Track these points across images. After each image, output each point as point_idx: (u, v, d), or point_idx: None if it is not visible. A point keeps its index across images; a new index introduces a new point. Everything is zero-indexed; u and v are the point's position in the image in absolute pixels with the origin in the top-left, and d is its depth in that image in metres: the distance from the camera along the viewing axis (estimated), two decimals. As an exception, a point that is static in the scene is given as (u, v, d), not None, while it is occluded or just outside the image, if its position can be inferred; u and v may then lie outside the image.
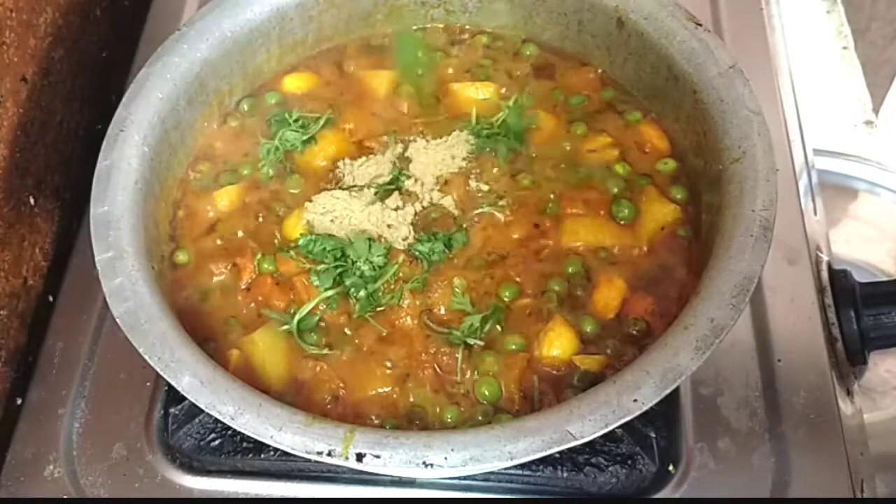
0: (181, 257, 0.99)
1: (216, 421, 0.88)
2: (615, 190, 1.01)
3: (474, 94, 1.10)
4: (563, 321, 0.92)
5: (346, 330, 0.94)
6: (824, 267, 1.10)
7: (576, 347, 0.91)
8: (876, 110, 1.57)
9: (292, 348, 0.93)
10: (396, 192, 1.01)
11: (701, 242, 0.95)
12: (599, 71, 1.12)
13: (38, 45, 1.11)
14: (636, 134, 1.06)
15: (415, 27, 1.17)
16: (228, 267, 0.98)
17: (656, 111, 1.07)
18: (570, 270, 0.96)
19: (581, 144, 1.06)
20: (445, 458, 0.76)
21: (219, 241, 1.00)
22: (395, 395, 0.90)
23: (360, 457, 0.76)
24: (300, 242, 0.97)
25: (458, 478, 0.94)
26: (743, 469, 0.95)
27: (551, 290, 0.95)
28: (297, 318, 0.92)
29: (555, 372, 0.91)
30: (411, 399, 0.90)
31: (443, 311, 0.94)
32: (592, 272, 0.96)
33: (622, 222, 0.99)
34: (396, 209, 1.00)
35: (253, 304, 0.96)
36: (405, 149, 1.06)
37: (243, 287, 0.97)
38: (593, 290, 0.95)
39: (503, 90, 1.11)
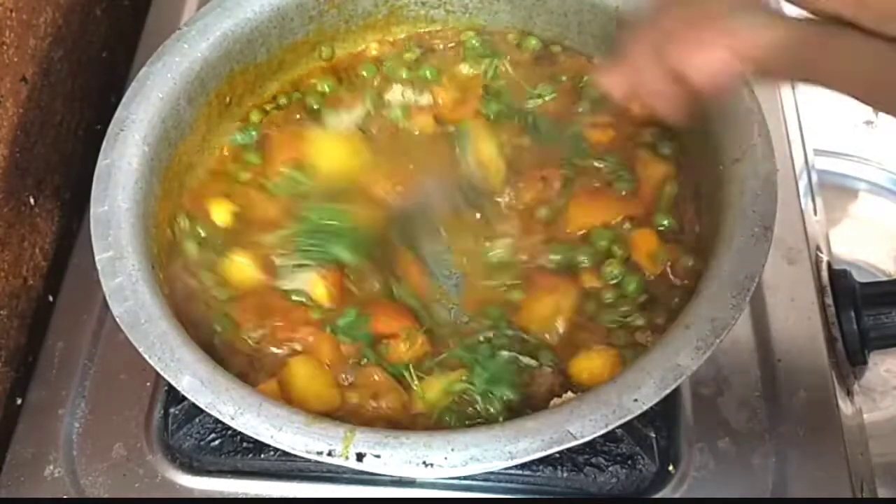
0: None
1: (216, 421, 0.87)
2: (611, 168, 1.00)
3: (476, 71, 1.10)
4: None
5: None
6: (824, 267, 1.10)
7: None
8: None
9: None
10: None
11: (701, 243, 0.95)
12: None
13: (38, 45, 1.11)
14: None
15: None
16: (229, 266, 0.98)
17: (656, 111, 1.07)
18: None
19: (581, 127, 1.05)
20: (445, 458, 0.76)
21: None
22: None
23: (360, 457, 0.76)
24: None
25: (458, 478, 0.94)
26: (743, 469, 0.95)
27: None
28: None
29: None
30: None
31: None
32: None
33: (623, 193, 0.99)
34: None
35: (252, 305, 0.96)
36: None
37: (244, 286, 0.97)
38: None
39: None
